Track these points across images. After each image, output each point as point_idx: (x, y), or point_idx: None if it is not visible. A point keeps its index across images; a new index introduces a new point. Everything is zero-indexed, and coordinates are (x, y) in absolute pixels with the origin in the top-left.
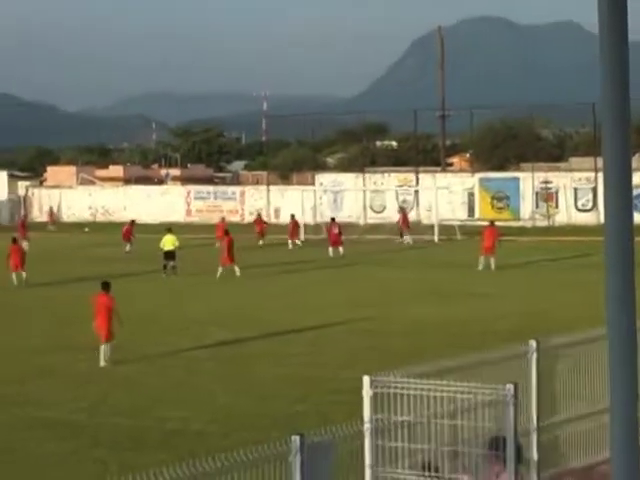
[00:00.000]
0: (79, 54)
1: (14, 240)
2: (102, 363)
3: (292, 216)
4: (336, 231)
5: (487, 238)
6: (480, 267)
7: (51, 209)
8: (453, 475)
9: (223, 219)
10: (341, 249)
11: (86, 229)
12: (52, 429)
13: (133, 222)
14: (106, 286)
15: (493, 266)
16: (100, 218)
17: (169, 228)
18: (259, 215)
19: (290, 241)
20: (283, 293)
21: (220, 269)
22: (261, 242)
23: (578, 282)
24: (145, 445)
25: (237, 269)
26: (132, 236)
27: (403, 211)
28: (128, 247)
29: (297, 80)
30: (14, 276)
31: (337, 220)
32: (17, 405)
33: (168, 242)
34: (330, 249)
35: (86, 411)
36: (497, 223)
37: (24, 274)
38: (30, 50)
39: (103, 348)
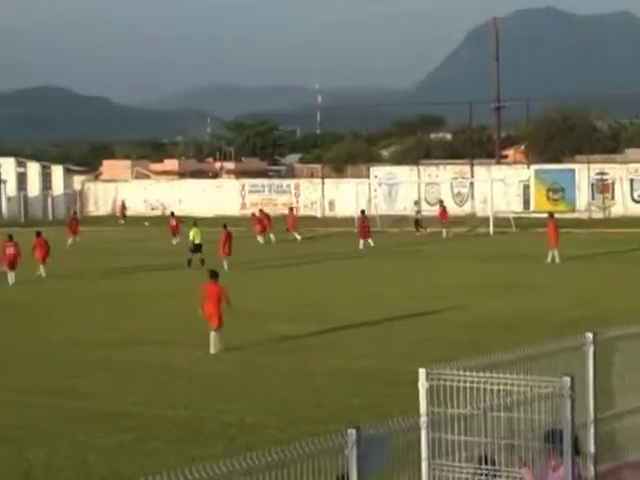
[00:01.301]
0: (134, 48)
1: (38, 233)
2: (212, 350)
3: (362, 212)
4: (365, 224)
5: (552, 231)
6: (548, 259)
7: (123, 203)
8: (509, 468)
9: (261, 211)
10: (371, 241)
11: (146, 223)
12: (111, 421)
13: (173, 214)
14: (214, 275)
15: (558, 259)
16: (155, 212)
17: (195, 222)
18: (261, 211)
19: (362, 241)
20: (340, 285)
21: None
22: (260, 239)
23: (635, 274)
24: (202, 437)
25: (226, 263)
26: (178, 229)
27: (442, 205)
28: (174, 241)
29: (353, 72)
30: (41, 268)
31: (392, 212)
32: (78, 398)
33: (197, 235)
34: (360, 242)
35: (144, 403)
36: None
37: (42, 268)
38: (85, 44)
39: (213, 335)
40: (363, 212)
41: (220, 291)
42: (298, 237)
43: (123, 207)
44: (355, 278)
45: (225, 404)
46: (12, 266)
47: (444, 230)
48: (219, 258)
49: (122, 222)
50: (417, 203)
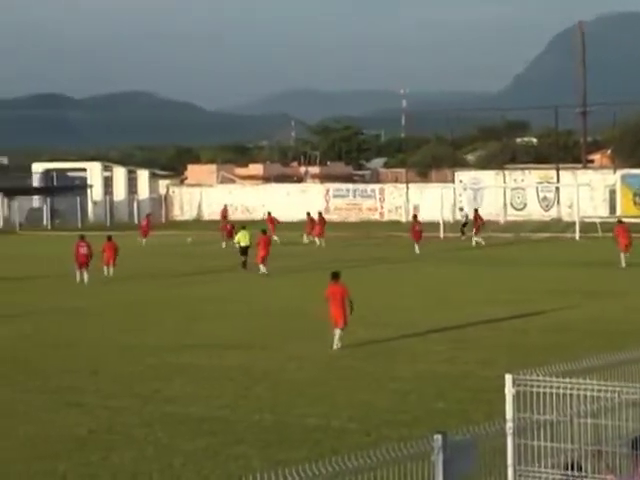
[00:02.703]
0: (219, 53)
1: (109, 237)
2: (335, 346)
3: (415, 216)
4: (418, 228)
5: (622, 236)
6: (623, 265)
7: (225, 207)
8: (597, 475)
9: (269, 213)
10: (416, 246)
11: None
12: (196, 425)
13: (225, 216)
14: (336, 276)
15: (624, 263)
16: (240, 216)
17: (244, 226)
18: (269, 214)
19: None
20: (419, 290)
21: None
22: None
23: None
24: (287, 441)
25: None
26: (230, 232)
27: (477, 212)
28: (224, 244)
29: (437, 77)
30: (105, 269)
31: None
32: (163, 402)
33: (244, 238)
34: (416, 246)
35: (228, 407)
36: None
37: (111, 269)
38: (171, 50)
39: (339, 333)
40: (415, 216)
41: (344, 291)
42: (318, 242)
43: (225, 211)
44: (435, 283)
45: (310, 408)
46: (84, 265)
47: (474, 239)
48: (256, 264)
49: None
50: (462, 209)
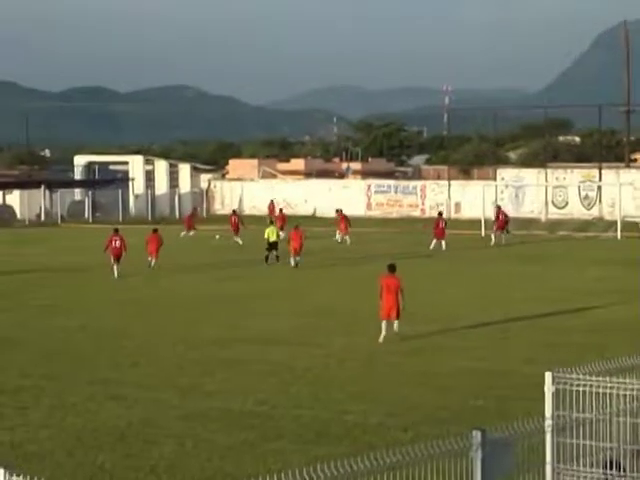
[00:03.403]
0: (262, 49)
1: (155, 230)
2: (381, 339)
3: (440, 213)
4: (442, 225)
5: None
6: None
7: (272, 202)
8: (636, 474)
9: (280, 210)
10: (443, 243)
11: (217, 236)
12: (236, 420)
13: (235, 212)
14: (392, 268)
15: None
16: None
17: (271, 220)
18: (272, 203)
19: (435, 241)
20: (461, 287)
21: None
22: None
23: None
24: (326, 437)
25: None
26: (239, 227)
27: (499, 209)
28: (218, 237)
29: (480, 74)
30: (150, 259)
31: (518, 215)
32: (203, 396)
33: (273, 233)
34: (434, 241)
35: (268, 403)
36: None
37: (153, 261)
38: (216, 45)
39: (396, 326)
40: (440, 214)
41: (398, 283)
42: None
43: (272, 206)
44: (476, 280)
45: (349, 404)
46: (117, 259)
47: (492, 235)
48: (291, 255)
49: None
50: (498, 207)
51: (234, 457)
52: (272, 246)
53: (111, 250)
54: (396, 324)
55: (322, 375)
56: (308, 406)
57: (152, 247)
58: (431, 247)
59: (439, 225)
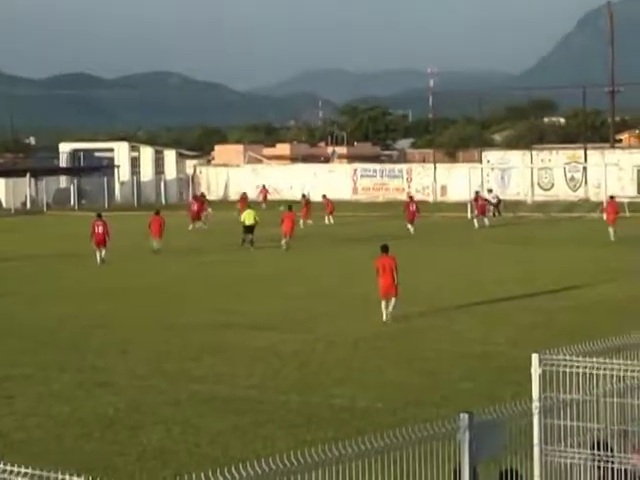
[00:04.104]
0: (248, 35)
1: (157, 212)
2: (388, 317)
3: (410, 197)
4: (413, 208)
5: (609, 211)
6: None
7: (264, 187)
8: (623, 454)
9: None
10: (411, 227)
11: (264, 206)
12: (224, 405)
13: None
14: (385, 248)
15: (613, 236)
16: (267, 196)
17: (249, 204)
18: (264, 188)
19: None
20: (447, 270)
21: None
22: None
23: None
24: (314, 422)
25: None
26: (204, 212)
27: (477, 195)
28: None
29: (464, 57)
30: (154, 243)
31: (504, 197)
32: (191, 381)
33: (249, 217)
34: (410, 226)
35: (257, 387)
36: None
37: (155, 243)
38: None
39: (393, 302)
40: (411, 197)
41: (392, 262)
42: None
43: (265, 191)
44: (462, 262)
45: (337, 388)
46: (101, 244)
47: (475, 220)
48: (284, 238)
49: (264, 206)
50: (492, 191)
51: (222, 442)
52: (248, 229)
53: (94, 236)
54: (393, 302)
55: (309, 360)
56: (296, 391)
57: (155, 229)
58: (411, 231)
59: (409, 208)
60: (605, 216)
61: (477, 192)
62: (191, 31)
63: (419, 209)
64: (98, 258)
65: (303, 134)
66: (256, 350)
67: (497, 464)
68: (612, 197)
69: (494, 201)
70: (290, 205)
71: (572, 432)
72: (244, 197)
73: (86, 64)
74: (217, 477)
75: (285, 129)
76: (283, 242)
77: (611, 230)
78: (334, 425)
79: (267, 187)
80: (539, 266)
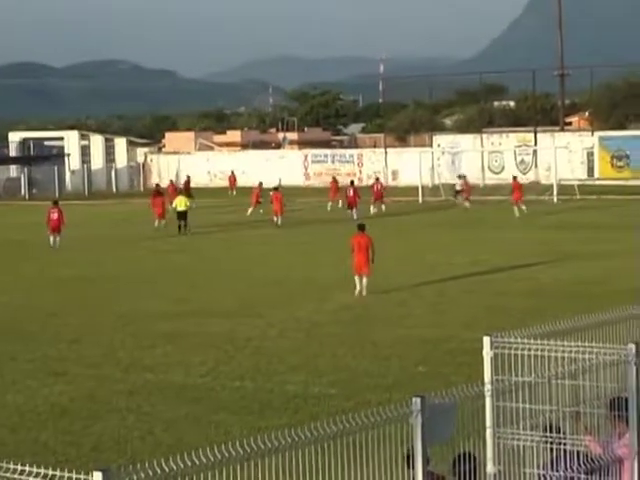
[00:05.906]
0: (198, 22)
1: (158, 192)
2: (364, 292)
3: (352, 182)
4: (350, 193)
5: (515, 190)
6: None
7: (233, 174)
8: (575, 436)
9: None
10: (354, 211)
11: (234, 192)
12: (177, 393)
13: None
14: (362, 227)
15: (517, 213)
16: (218, 183)
17: (181, 190)
18: (232, 175)
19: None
20: (399, 254)
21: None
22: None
23: None
24: (268, 408)
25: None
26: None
27: (377, 180)
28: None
29: (414, 42)
30: (157, 222)
31: (455, 181)
32: (144, 370)
33: (180, 203)
34: (351, 212)
35: (210, 375)
36: (617, 182)
37: (157, 222)
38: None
39: (365, 280)
40: (352, 182)
41: (368, 241)
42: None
43: (233, 178)
44: (414, 246)
45: (290, 374)
46: (56, 230)
47: (371, 206)
48: (275, 217)
49: (234, 193)
50: (463, 177)
51: (176, 430)
52: (180, 215)
53: (49, 222)
54: (365, 280)
55: (263, 346)
56: (249, 377)
57: (158, 209)
58: (354, 217)
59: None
60: (511, 197)
61: (377, 178)
62: (141, 19)
63: (359, 194)
64: (51, 241)
65: (254, 120)
66: (210, 337)
67: (451, 448)
68: (515, 177)
69: (458, 188)
70: (277, 187)
71: (524, 414)
72: (187, 181)
73: (37, 53)
74: (171, 464)
75: (236, 115)
76: (278, 220)
77: (515, 209)
78: (288, 411)
79: (234, 173)
80: (491, 249)
